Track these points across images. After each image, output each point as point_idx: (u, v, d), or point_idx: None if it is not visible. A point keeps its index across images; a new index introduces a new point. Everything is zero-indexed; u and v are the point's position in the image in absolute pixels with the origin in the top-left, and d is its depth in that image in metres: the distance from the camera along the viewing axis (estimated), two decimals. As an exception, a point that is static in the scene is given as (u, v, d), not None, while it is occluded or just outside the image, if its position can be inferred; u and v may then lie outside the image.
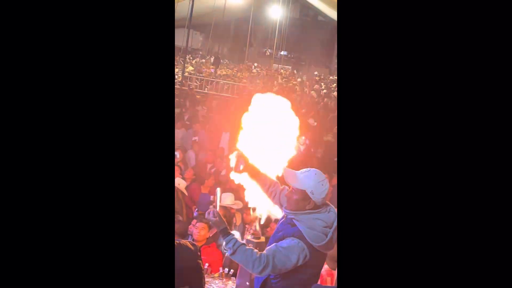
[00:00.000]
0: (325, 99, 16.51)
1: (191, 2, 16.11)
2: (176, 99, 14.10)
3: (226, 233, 2.45)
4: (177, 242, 1.86)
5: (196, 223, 4.44)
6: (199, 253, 1.77)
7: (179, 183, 6.03)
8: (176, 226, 4.80)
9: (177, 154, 7.54)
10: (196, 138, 9.17)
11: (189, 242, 1.82)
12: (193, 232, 4.40)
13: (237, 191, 5.95)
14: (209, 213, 2.47)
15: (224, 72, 23.49)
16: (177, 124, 9.92)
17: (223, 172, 6.76)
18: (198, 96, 15.07)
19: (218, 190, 2.61)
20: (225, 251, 2.47)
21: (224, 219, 2.51)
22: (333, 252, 2.74)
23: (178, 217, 5.00)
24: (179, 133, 9.63)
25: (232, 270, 4.03)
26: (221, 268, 4.13)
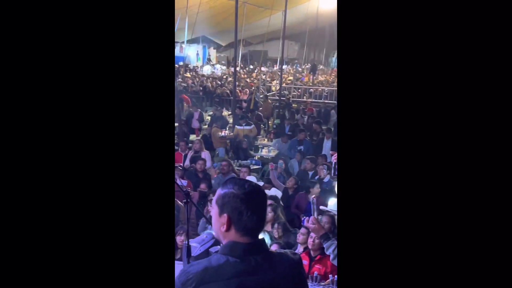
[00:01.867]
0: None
1: (284, 13, 16.28)
2: (276, 110, 14.33)
3: (326, 238, 2.45)
4: (277, 251, 1.90)
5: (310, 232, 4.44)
6: (300, 262, 1.79)
7: (276, 194, 6.08)
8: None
9: (281, 163, 7.66)
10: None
11: (289, 251, 1.86)
12: (308, 242, 4.42)
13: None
14: (307, 221, 2.48)
15: (322, 78, 23.37)
16: (283, 138, 10.07)
17: (326, 179, 6.72)
18: (295, 105, 15.13)
19: (312, 198, 2.61)
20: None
21: (323, 225, 2.51)
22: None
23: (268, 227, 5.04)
24: (282, 145, 9.77)
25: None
26: (330, 276, 4.10)
